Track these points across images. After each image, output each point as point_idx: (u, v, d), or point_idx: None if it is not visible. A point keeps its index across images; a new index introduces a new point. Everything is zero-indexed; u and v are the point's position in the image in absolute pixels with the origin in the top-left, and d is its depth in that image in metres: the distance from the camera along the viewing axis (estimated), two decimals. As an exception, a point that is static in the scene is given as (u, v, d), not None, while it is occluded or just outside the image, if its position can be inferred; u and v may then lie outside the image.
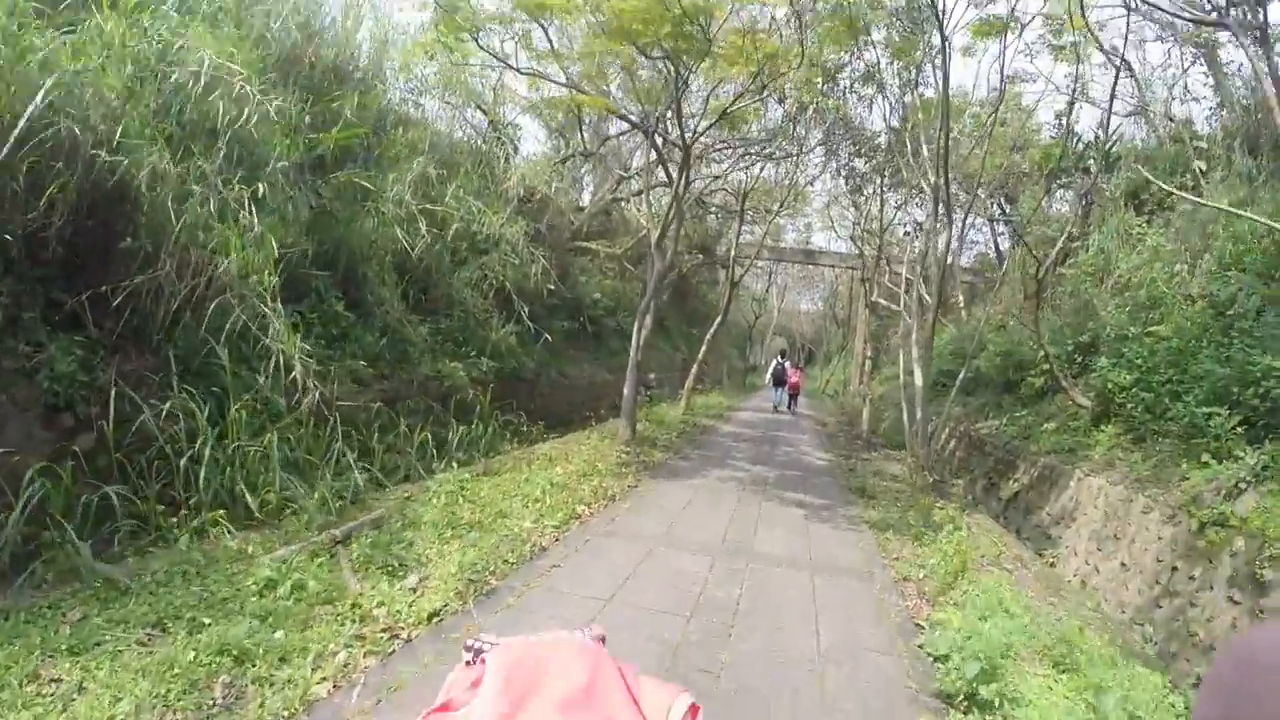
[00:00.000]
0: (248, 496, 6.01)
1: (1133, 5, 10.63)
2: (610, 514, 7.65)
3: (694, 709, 1.16)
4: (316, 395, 6.70)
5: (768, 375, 26.15)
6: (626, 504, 8.18)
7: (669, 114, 12.27)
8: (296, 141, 8.40)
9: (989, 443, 13.90)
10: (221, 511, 5.64)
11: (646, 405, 19.07)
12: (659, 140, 12.80)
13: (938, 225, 12.18)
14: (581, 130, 19.62)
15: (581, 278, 20.75)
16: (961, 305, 26.41)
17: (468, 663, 1.21)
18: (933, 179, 11.47)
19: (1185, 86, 16.70)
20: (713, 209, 28.19)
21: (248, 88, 6.90)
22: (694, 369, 19.26)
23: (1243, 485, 6.96)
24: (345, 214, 9.48)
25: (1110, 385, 9.62)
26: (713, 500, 8.76)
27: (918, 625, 5.27)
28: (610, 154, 22.09)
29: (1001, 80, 11.98)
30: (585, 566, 5.85)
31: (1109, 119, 12.69)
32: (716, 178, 24.04)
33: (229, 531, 5.43)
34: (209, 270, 6.39)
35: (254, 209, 6.83)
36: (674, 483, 9.65)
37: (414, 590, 5.10)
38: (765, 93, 11.97)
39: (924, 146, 13.02)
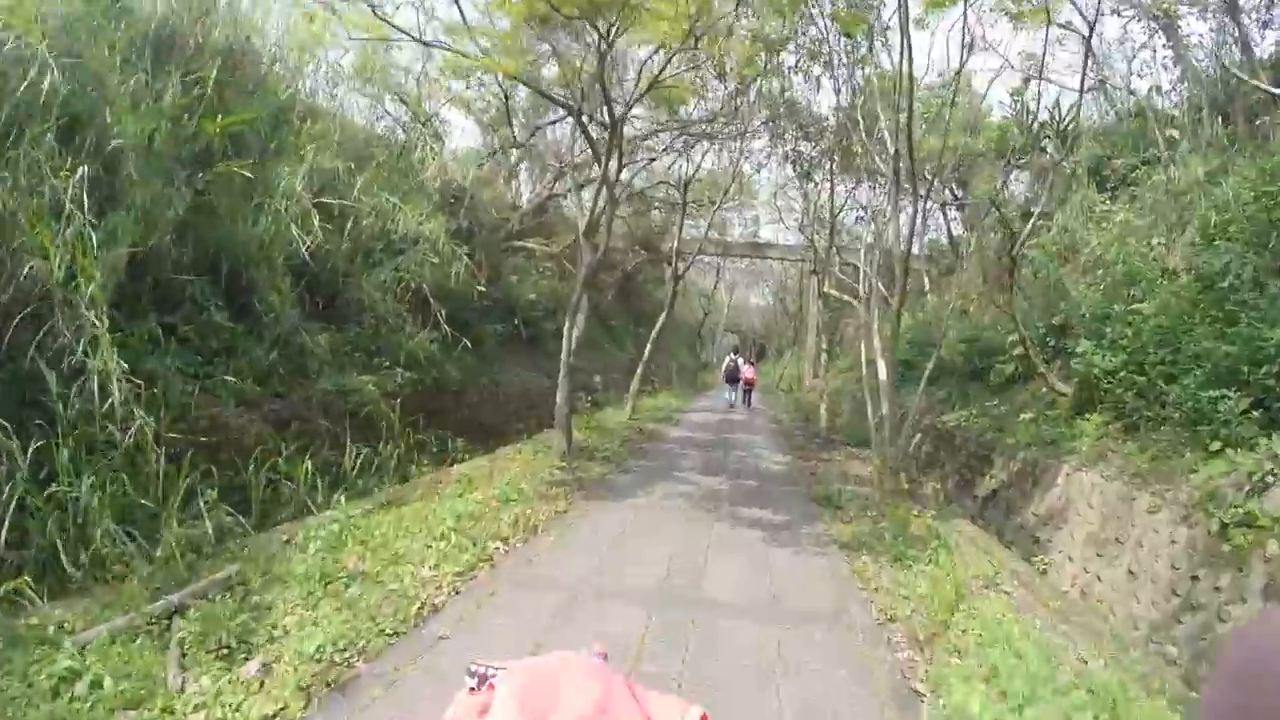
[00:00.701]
0: (63, 554, 4.72)
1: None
2: (530, 552, 6.33)
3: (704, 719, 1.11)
4: (138, 424, 5.26)
5: (720, 374, 25.82)
6: (551, 536, 6.86)
7: (595, 89, 11.00)
8: (161, 127, 7.02)
9: (958, 435, 12.95)
10: (26, 578, 4.31)
11: (590, 411, 17.78)
12: (587, 121, 11.53)
13: (900, 203, 11.11)
14: (511, 122, 18.21)
15: (514, 278, 19.36)
16: (926, 291, 25.79)
17: (471, 689, 1.13)
18: (892, 150, 10.39)
19: (1149, 60, 16.07)
20: (655, 203, 26.97)
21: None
22: (639, 370, 17.99)
23: (1269, 479, 5.96)
24: (230, 211, 8.09)
25: (1094, 370, 8.63)
26: (655, 525, 7.48)
27: (915, 691, 4.06)
28: (546, 149, 20.71)
29: (963, 47, 10.98)
30: (484, 633, 4.52)
31: (1080, 98, 11.74)
32: (655, 169, 22.90)
33: (33, 602, 4.21)
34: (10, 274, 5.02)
35: (96, 204, 5.49)
36: (611, 505, 8.35)
37: (253, 682, 3.78)
38: (700, 58, 10.75)
39: (880, 122, 11.97)
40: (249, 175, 8.25)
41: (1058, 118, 15.67)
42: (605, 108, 10.14)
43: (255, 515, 6.35)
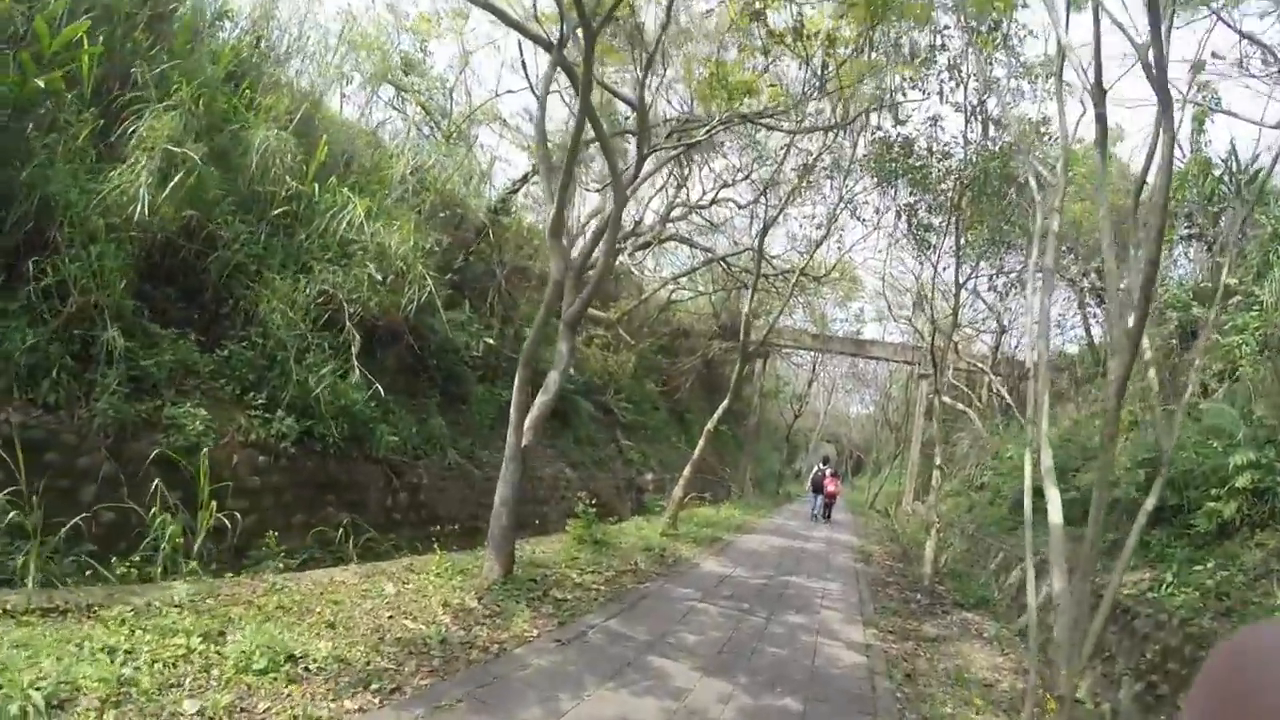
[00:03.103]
0: None
1: None
2: None
3: None
4: None
5: (807, 483, 25.49)
6: None
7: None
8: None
9: (1140, 613, 8.16)
10: None
11: (615, 520, 13.67)
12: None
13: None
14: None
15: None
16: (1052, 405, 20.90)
17: None
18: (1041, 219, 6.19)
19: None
20: (740, 275, 23.12)
21: None
22: (687, 470, 13.78)
23: None
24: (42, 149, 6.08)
25: None
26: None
27: None
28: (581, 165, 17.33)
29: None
30: None
31: None
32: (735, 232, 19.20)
33: None
34: None
35: None
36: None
37: None
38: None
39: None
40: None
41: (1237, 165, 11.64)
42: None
43: None
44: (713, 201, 18.85)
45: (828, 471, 24.75)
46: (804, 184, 13.05)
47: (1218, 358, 11.76)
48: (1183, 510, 9.03)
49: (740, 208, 18.49)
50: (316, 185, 8.75)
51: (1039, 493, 14.81)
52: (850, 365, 41.55)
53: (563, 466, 14.40)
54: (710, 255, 21.03)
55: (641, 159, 8.34)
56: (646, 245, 20.43)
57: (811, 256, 14.64)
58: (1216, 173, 13.25)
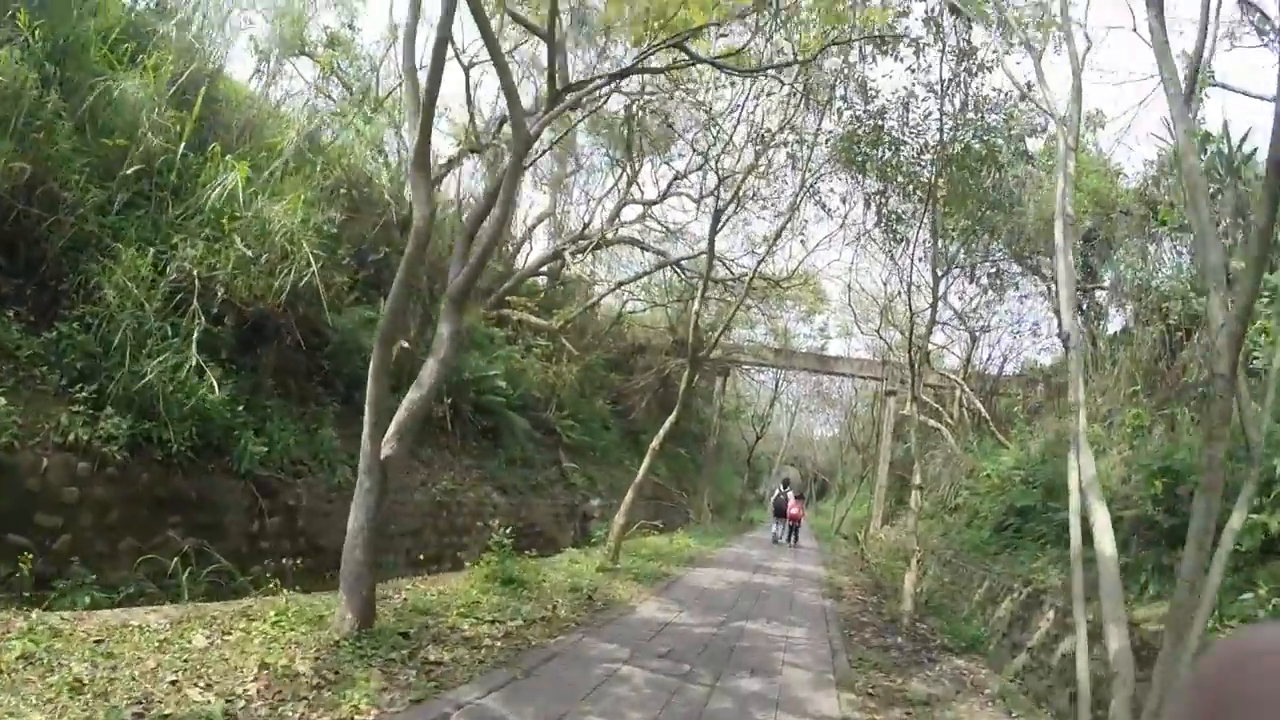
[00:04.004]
0: None
1: None
2: None
3: None
4: None
5: (769, 507, 24.77)
6: None
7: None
8: None
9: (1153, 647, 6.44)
10: None
11: (547, 550, 11.78)
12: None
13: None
14: (473, 117, 13.25)
15: (475, 350, 13.83)
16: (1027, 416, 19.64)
17: None
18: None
19: None
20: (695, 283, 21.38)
21: None
22: (630, 494, 11.90)
23: None
24: None
25: None
26: None
27: None
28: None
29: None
30: None
31: None
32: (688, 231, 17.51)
33: None
34: None
35: None
36: None
37: None
38: None
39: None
40: None
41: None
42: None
43: None
44: (664, 196, 17.22)
45: (790, 495, 23.90)
46: (762, 162, 11.39)
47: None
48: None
49: (695, 201, 16.86)
50: (190, 152, 7.39)
51: (1023, 513, 13.18)
52: (814, 384, 40.14)
53: (489, 490, 12.45)
54: (663, 260, 19.34)
55: (554, 97, 6.58)
56: (595, 247, 18.69)
57: (770, 248, 12.97)
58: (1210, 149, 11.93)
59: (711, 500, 30.01)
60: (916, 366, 11.04)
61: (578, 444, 18.08)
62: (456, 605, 6.76)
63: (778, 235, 13.02)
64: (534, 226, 21.37)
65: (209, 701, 3.84)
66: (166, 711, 3.64)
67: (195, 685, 4.01)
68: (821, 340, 33.06)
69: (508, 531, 12.34)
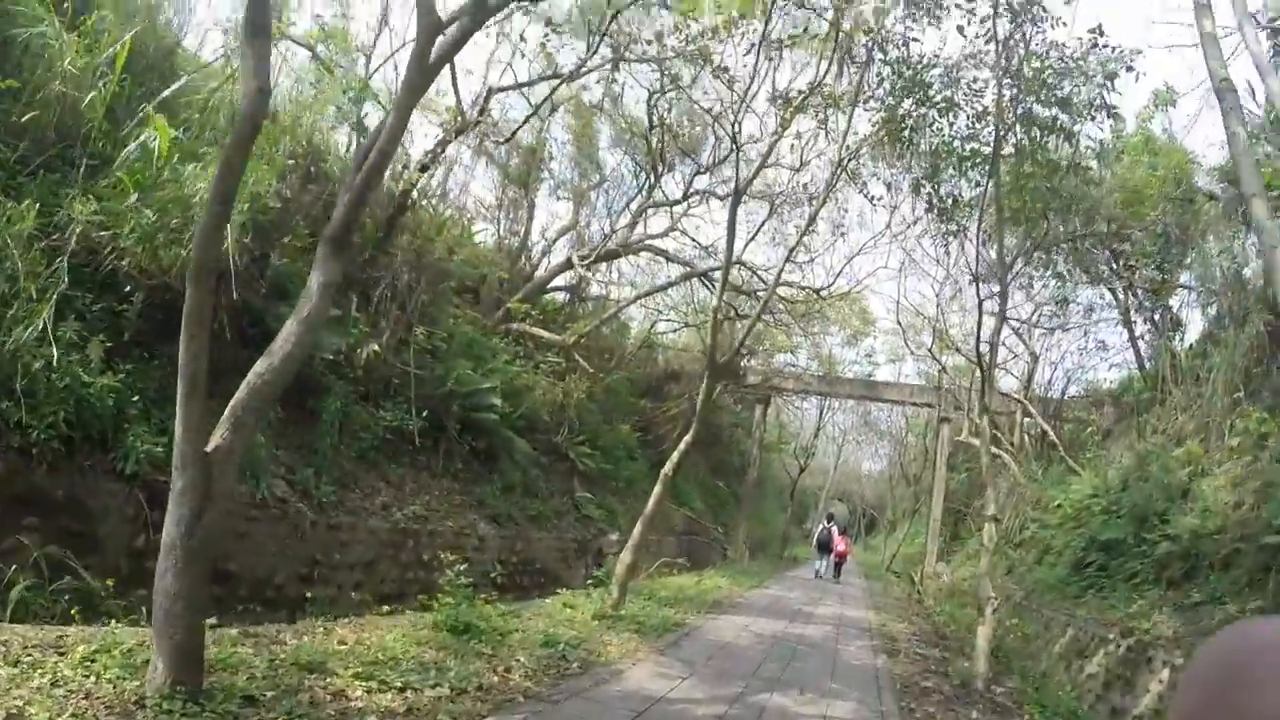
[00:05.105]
0: None
1: None
2: None
3: None
4: None
5: (813, 541, 23.95)
6: None
7: None
8: None
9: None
10: None
11: (568, 587, 10.02)
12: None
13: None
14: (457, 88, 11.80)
15: (468, 363, 12.20)
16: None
17: None
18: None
19: None
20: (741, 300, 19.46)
21: None
22: (638, 528, 10.01)
23: None
24: None
25: None
26: None
27: None
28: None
29: None
30: None
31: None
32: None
33: None
34: None
35: None
36: None
37: None
38: None
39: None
40: None
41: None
42: None
43: None
44: (686, 195, 15.56)
45: (834, 530, 23.01)
46: (789, 133, 9.60)
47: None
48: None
49: (720, 199, 15.14)
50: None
51: (1109, 547, 10.98)
52: (862, 414, 37.80)
53: (475, 519, 10.69)
54: (689, 270, 17.62)
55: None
56: (613, 255, 17.06)
57: (808, 228, 11.04)
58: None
59: (749, 536, 27.83)
60: (987, 370, 9.02)
61: (597, 472, 16.29)
62: (364, 659, 4.99)
63: (812, 220, 11.18)
64: (555, 240, 19.90)
65: None
66: None
67: None
68: (869, 367, 30.92)
69: (500, 567, 10.66)
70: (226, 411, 3.87)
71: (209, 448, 3.72)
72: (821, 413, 34.87)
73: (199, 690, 3.81)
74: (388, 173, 11.45)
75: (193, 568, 3.81)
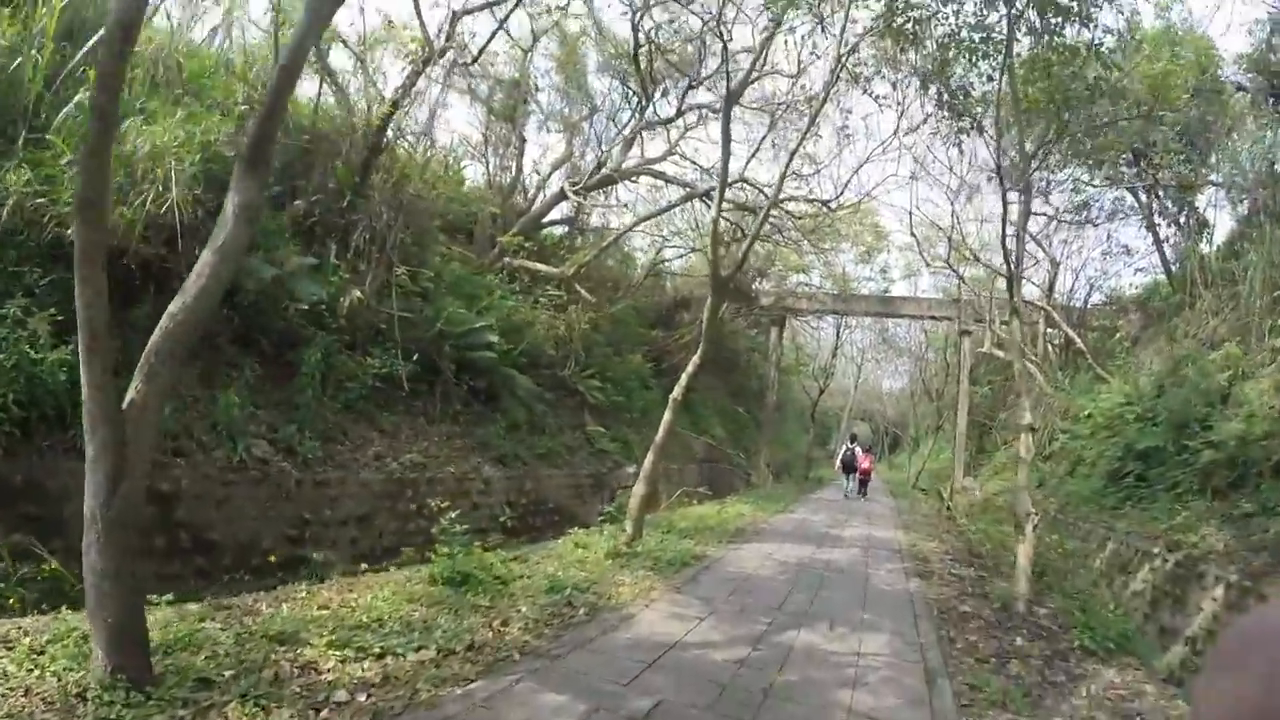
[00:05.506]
0: None
1: None
2: None
3: None
4: None
5: (837, 463, 24.38)
6: None
7: None
8: None
9: None
10: None
11: (584, 525, 9.59)
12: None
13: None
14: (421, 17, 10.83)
15: (453, 301, 11.55)
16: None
17: None
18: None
19: None
20: (745, 220, 18.51)
21: None
22: (649, 457, 9.50)
23: None
24: None
25: None
26: None
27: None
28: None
29: None
30: None
31: None
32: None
33: None
34: None
35: None
36: None
37: None
38: None
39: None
40: None
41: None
42: None
43: None
44: (680, 112, 14.55)
45: (858, 449, 23.27)
46: (778, 10, 8.60)
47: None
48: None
49: (714, 113, 14.12)
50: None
51: (1146, 456, 10.34)
52: (879, 331, 36.99)
53: (478, 463, 10.20)
54: (689, 191, 16.69)
55: None
56: (608, 182, 16.16)
57: (809, 130, 10.10)
58: None
59: (772, 460, 27.47)
60: (1015, 266, 8.22)
61: (608, 405, 15.76)
62: (344, 624, 4.50)
63: (813, 121, 10.23)
64: (550, 173, 18.94)
65: None
66: None
67: None
68: (884, 283, 29.97)
69: (509, 510, 10.20)
70: (141, 360, 3.27)
71: (126, 403, 3.14)
72: (839, 332, 34.07)
73: (146, 676, 3.35)
74: (359, 116, 10.76)
75: (116, 541, 3.27)
